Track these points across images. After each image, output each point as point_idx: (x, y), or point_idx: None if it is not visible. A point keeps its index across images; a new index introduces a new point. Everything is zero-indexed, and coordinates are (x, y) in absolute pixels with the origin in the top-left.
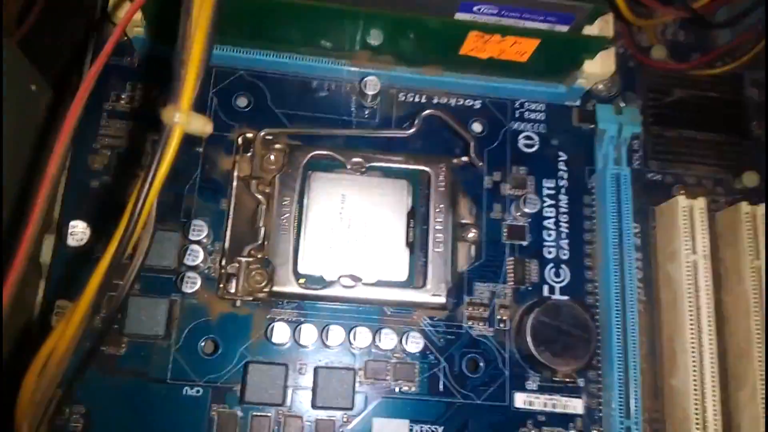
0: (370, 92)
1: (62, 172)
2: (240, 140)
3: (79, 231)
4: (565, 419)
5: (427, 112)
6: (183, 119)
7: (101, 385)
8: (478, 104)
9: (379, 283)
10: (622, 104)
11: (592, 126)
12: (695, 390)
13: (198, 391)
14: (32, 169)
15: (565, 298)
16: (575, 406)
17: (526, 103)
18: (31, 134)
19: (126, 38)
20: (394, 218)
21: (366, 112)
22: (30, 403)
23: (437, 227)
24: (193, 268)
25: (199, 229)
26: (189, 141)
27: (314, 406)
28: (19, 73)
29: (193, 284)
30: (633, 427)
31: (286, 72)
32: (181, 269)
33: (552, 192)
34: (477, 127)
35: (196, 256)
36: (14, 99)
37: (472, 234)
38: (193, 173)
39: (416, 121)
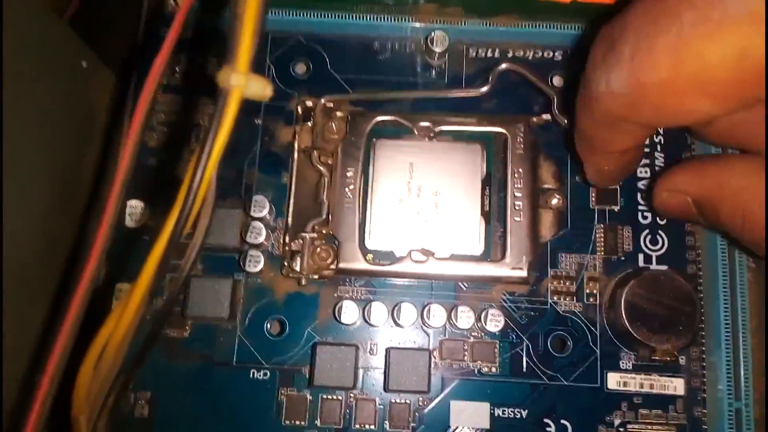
0: (437, 49)
1: (135, 163)
2: (299, 109)
3: (137, 211)
4: (664, 401)
5: (502, 66)
6: (241, 81)
7: (166, 369)
8: (559, 55)
9: (454, 257)
10: None
11: None
12: None
13: (265, 374)
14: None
15: (664, 267)
16: (676, 386)
17: None
18: (84, 111)
19: (177, 7)
20: (468, 186)
21: (433, 72)
22: (87, 395)
23: (516, 194)
24: (256, 246)
25: (261, 205)
26: (247, 111)
27: (387, 389)
28: (69, 50)
29: (256, 263)
30: (743, 409)
31: (345, 34)
32: (244, 248)
33: (646, 149)
34: (558, 81)
35: (259, 233)
36: (64, 75)
37: (556, 200)
38: (253, 147)
39: (490, 78)
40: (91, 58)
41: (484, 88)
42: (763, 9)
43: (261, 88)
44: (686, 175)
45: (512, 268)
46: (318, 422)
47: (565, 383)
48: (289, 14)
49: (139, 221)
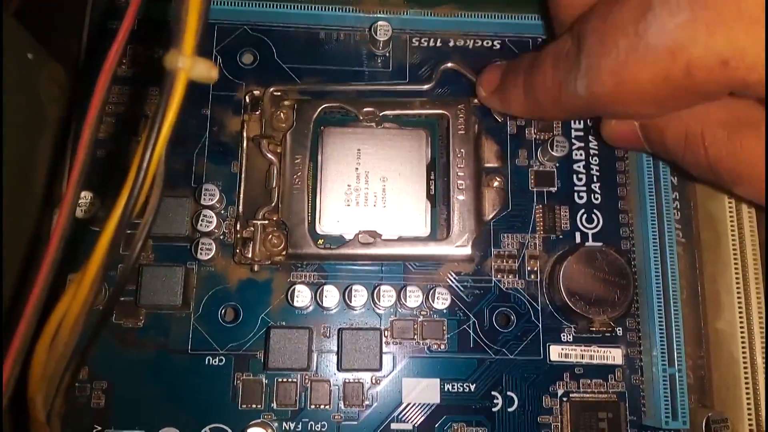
0: (381, 38)
1: (92, 155)
2: (247, 99)
3: (86, 202)
4: (604, 370)
5: (446, 65)
6: (186, 63)
7: (121, 359)
8: (497, 44)
9: (401, 239)
10: None
11: None
12: (742, 332)
13: (221, 360)
14: (34, 140)
15: (599, 244)
16: (614, 356)
17: (549, 40)
18: (33, 104)
19: None
20: (414, 171)
21: (378, 61)
22: (42, 375)
23: (459, 173)
24: (208, 234)
25: (211, 194)
26: (195, 101)
27: (340, 368)
28: (14, 43)
29: (208, 251)
30: (677, 375)
31: (291, 24)
32: (195, 236)
33: (581, 134)
34: None
35: (210, 221)
36: (10, 69)
37: (497, 182)
38: (201, 136)
39: (434, 76)
40: (38, 50)
41: (430, 85)
42: (677, 39)
43: (206, 70)
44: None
45: (457, 245)
46: (274, 405)
47: (510, 357)
48: (235, 4)
49: (89, 212)
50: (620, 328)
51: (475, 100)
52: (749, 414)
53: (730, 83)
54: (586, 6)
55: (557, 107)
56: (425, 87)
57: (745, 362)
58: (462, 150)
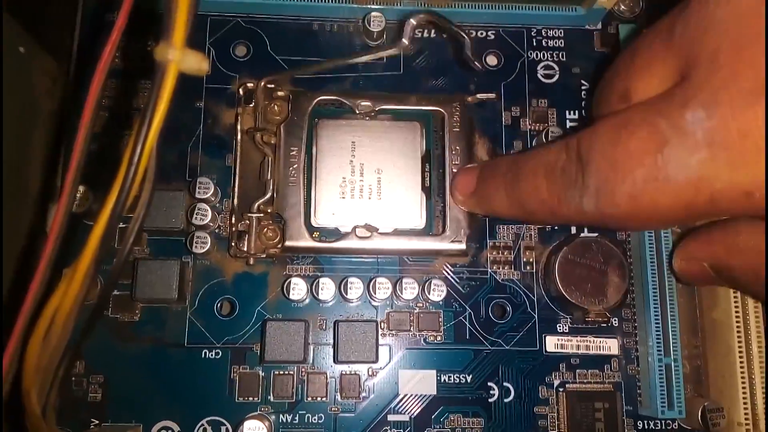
0: (374, 29)
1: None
2: (241, 91)
3: (80, 196)
4: (600, 360)
5: (417, 18)
6: (177, 55)
7: (118, 353)
8: (491, 35)
9: (396, 232)
10: (647, 23)
11: (616, 50)
12: (737, 321)
13: (217, 354)
14: (27, 134)
15: (594, 234)
16: (610, 346)
17: (543, 30)
18: (26, 98)
19: None
20: (408, 163)
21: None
22: (37, 368)
23: (454, 170)
24: (203, 228)
25: (206, 187)
26: (188, 94)
27: (337, 360)
28: (6, 36)
29: (203, 244)
30: (672, 365)
31: (284, 15)
32: (190, 229)
33: (575, 124)
34: (492, 60)
35: (205, 214)
36: (2, 62)
37: None
38: (196, 129)
39: (406, 33)
40: (30, 43)
41: (405, 41)
42: (699, 173)
43: (197, 62)
44: (697, 243)
45: (452, 241)
46: (271, 397)
47: (507, 348)
48: None
49: (82, 205)
50: (616, 319)
51: (469, 98)
52: (745, 403)
53: (754, 211)
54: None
55: (554, 217)
56: (401, 44)
57: (740, 352)
58: (457, 147)
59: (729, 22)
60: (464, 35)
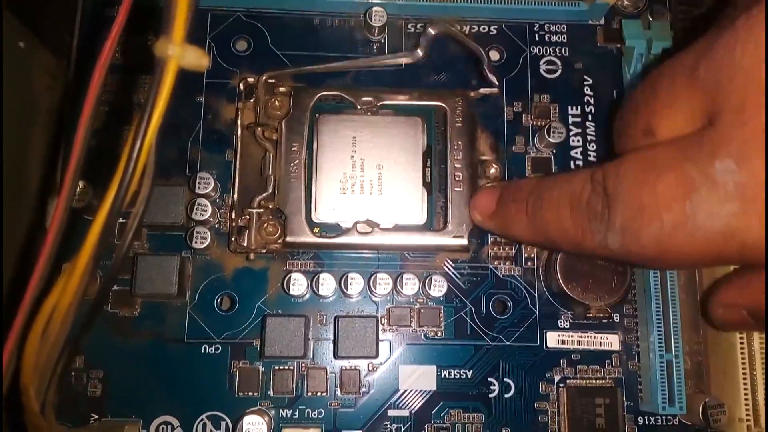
0: (376, 24)
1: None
2: (242, 86)
3: (79, 191)
4: (600, 356)
5: (433, 30)
6: (176, 51)
7: (118, 348)
8: (494, 30)
9: (397, 228)
10: (650, 19)
11: (619, 45)
12: None
13: (217, 349)
14: (27, 130)
15: None
16: (611, 342)
17: (546, 25)
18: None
19: None
20: (410, 158)
21: (374, 48)
22: (35, 365)
23: (456, 165)
24: (203, 223)
25: (206, 182)
26: (188, 89)
27: (337, 356)
28: (5, 31)
29: (203, 239)
30: (674, 361)
31: (285, 10)
32: (190, 225)
33: (578, 120)
34: (494, 54)
35: (205, 210)
36: (4, 59)
37: (493, 169)
38: (196, 124)
39: (421, 43)
40: (29, 39)
41: (419, 52)
42: (730, 225)
43: (197, 58)
44: (735, 290)
45: (454, 236)
46: (271, 392)
47: (507, 343)
48: None
49: (81, 201)
50: (617, 314)
51: (472, 93)
52: (746, 399)
53: None
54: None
55: (577, 248)
56: (417, 57)
57: (742, 348)
58: (459, 142)
59: (755, 71)
60: (482, 51)
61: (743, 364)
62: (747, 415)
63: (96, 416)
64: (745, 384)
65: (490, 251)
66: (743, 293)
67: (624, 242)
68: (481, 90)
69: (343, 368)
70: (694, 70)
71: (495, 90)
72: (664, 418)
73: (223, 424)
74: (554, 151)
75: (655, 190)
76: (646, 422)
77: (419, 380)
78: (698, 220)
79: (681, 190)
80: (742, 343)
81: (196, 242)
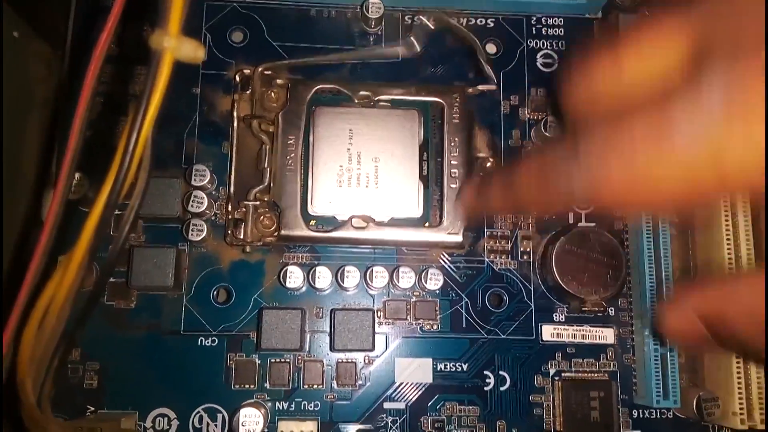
0: (372, 16)
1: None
2: (238, 78)
3: (75, 183)
4: (595, 350)
5: (428, 22)
6: (172, 44)
7: (114, 340)
8: (491, 22)
9: (393, 221)
10: (647, 14)
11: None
12: None
13: (213, 341)
14: (22, 120)
15: (592, 224)
16: (606, 335)
17: (543, 18)
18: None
19: None
20: (406, 151)
21: (370, 40)
22: (31, 358)
23: (452, 162)
24: (199, 215)
25: (202, 174)
26: (185, 81)
27: (333, 348)
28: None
29: (199, 232)
30: (668, 355)
31: (281, 1)
32: (187, 217)
33: None
34: (491, 48)
35: (201, 202)
36: None
37: (489, 163)
38: (192, 116)
39: (417, 35)
40: (24, 28)
41: (415, 44)
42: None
43: (193, 50)
44: (689, 291)
45: (449, 233)
46: (267, 385)
47: (503, 337)
48: None
49: (77, 192)
50: (612, 308)
51: (470, 89)
52: (740, 393)
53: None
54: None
55: (543, 200)
56: (415, 51)
57: None
58: (456, 138)
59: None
60: (477, 41)
61: (737, 358)
62: (741, 408)
63: (92, 408)
64: (739, 378)
65: (486, 245)
66: (702, 300)
67: (592, 181)
68: (479, 87)
69: (340, 361)
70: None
71: (492, 86)
72: (658, 411)
73: (219, 416)
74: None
75: (632, 128)
76: (641, 415)
77: (415, 373)
78: (676, 147)
79: (658, 127)
80: None
81: (192, 234)
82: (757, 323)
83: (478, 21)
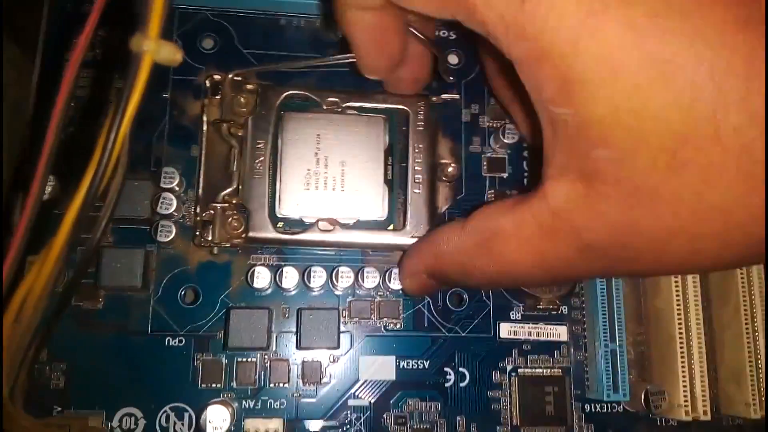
0: None
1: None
2: (208, 83)
3: (48, 185)
4: (550, 346)
5: None
6: (152, 46)
7: (81, 340)
8: (453, 35)
9: (358, 224)
10: None
11: None
12: (678, 310)
13: (180, 341)
14: None
15: None
16: (560, 333)
17: None
18: None
19: None
20: (372, 156)
21: (339, 48)
22: (8, 348)
23: (416, 167)
24: (167, 217)
25: (171, 177)
26: (155, 85)
27: (299, 347)
28: None
29: (168, 233)
30: (618, 351)
31: (251, 9)
32: (155, 218)
33: None
34: (453, 58)
35: (170, 204)
36: None
37: (451, 168)
38: (162, 120)
39: None
40: None
41: None
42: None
43: (171, 53)
44: (411, 259)
45: (412, 236)
46: (234, 384)
47: (463, 335)
48: None
49: (50, 194)
50: (565, 307)
51: (434, 98)
52: (684, 386)
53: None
54: None
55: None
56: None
57: (681, 339)
58: (420, 145)
59: None
60: (441, 51)
61: (682, 353)
62: (685, 401)
63: (59, 408)
64: (683, 372)
65: None
66: (419, 260)
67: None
68: (443, 96)
69: (305, 360)
70: None
71: (456, 96)
72: (609, 405)
73: (186, 415)
74: (509, 151)
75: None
76: (593, 409)
77: (379, 370)
78: None
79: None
80: (680, 334)
81: (160, 236)
82: (457, 264)
83: (441, 33)
